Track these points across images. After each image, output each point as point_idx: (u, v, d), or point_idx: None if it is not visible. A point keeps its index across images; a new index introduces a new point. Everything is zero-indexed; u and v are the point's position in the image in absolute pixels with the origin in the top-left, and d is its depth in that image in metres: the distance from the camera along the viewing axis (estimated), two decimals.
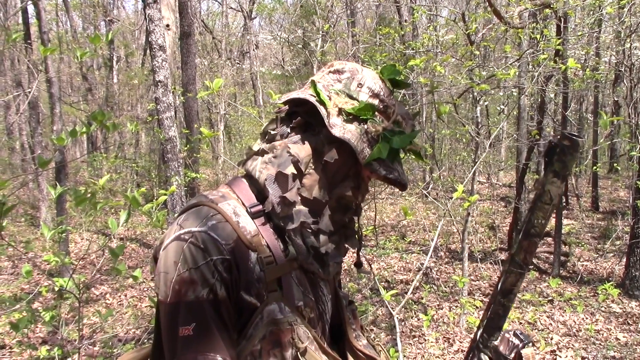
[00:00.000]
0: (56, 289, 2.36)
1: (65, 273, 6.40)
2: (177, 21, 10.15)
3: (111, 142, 16.44)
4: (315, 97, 1.12)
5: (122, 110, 16.80)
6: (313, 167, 1.11)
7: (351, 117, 1.12)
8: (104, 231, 10.81)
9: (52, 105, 8.98)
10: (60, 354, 2.90)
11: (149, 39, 5.99)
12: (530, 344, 1.10)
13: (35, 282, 7.67)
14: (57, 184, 7.21)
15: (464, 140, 11.50)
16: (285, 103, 1.18)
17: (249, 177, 1.16)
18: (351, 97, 1.14)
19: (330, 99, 1.13)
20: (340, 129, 1.10)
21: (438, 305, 6.57)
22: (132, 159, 14.86)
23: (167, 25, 9.11)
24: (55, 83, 9.06)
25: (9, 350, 5.53)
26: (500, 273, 1.10)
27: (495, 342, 1.11)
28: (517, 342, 1.10)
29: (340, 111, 1.12)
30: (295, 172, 1.10)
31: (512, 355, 1.09)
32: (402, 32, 10.12)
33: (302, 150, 1.12)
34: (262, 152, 1.15)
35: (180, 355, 0.98)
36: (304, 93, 1.14)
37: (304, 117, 1.14)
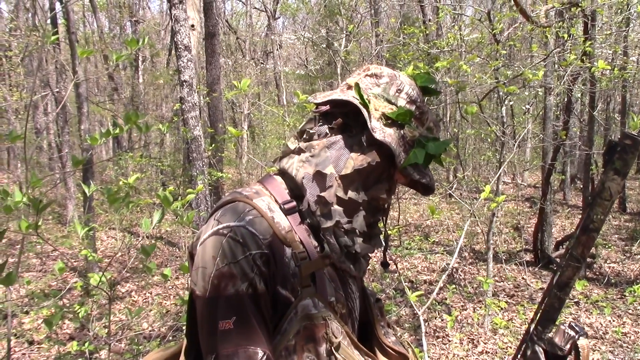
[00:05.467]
0: (90, 284, 2.41)
1: (92, 270, 6.50)
2: (202, 21, 10.24)
3: (136, 142, 16.61)
4: (358, 99, 1.14)
5: (147, 109, 16.97)
6: (350, 168, 1.12)
7: (390, 121, 1.14)
8: (130, 229, 10.93)
9: (79, 105, 9.12)
10: (92, 349, 2.95)
11: (175, 39, 6.06)
12: (586, 336, 1.11)
13: (62, 279, 7.79)
14: (83, 183, 7.34)
15: (489, 140, 11.42)
16: (324, 103, 1.19)
17: (283, 174, 1.18)
18: (389, 102, 1.16)
19: (369, 102, 1.15)
20: (381, 132, 1.11)
21: (462, 306, 6.54)
22: (157, 158, 15.00)
23: (192, 26, 9.18)
24: (83, 83, 9.20)
25: (37, 346, 5.63)
26: (557, 267, 1.12)
27: (550, 335, 1.12)
28: (572, 333, 1.11)
29: (381, 115, 1.14)
30: (334, 172, 1.12)
31: (568, 346, 1.10)
32: (427, 32, 10.07)
33: (341, 151, 1.13)
34: (299, 151, 1.17)
35: (221, 349, 0.99)
36: (346, 95, 1.16)
37: (343, 119, 1.16)
